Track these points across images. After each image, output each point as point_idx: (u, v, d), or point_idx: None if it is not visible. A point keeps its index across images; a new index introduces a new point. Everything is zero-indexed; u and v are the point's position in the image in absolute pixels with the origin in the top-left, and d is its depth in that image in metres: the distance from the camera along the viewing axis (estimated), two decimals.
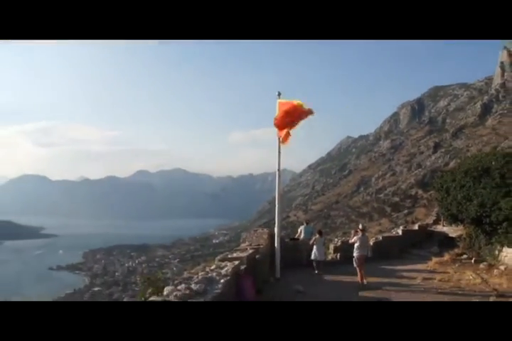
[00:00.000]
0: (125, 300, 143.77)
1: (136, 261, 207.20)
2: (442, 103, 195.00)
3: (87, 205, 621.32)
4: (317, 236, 18.93)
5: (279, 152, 16.38)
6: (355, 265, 16.34)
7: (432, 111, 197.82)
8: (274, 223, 17.48)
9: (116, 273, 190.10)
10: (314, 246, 18.79)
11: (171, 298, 7.26)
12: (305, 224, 21.96)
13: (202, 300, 7.32)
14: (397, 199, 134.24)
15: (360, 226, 17.33)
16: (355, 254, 16.50)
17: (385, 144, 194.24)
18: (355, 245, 16.56)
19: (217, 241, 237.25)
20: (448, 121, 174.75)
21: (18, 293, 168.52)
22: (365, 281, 15.88)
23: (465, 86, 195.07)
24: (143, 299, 8.40)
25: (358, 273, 16.08)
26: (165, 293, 7.54)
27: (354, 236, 16.92)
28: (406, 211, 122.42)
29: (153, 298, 7.21)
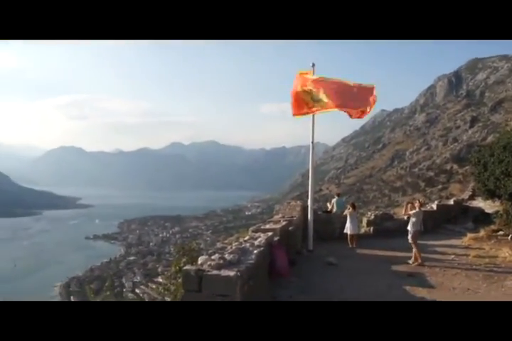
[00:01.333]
0: (159, 269, 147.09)
1: (170, 232, 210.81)
2: (481, 76, 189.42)
3: (122, 176, 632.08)
4: (350, 209, 18.82)
5: (313, 124, 16.22)
6: (410, 241, 15.67)
7: (470, 84, 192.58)
8: (307, 196, 17.43)
9: (151, 243, 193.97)
10: (348, 219, 18.69)
11: (205, 267, 7.34)
12: (337, 197, 21.86)
13: (236, 269, 7.37)
14: (431, 174, 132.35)
15: (418, 200, 16.85)
16: (410, 229, 15.79)
17: (420, 118, 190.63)
18: (412, 220, 15.82)
19: (249, 213, 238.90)
20: (487, 94, 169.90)
21: (58, 261, 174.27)
22: (419, 260, 15.14)
23: (506, 58, 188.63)
24: (177, 268, 8.53)
25: (414, 249, 15.40)
26: (199, 262, 7.62)
27: (408, 209, 16.20)
28: (440, 186, 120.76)
29: (187, 267, 7.30)
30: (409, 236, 15.71)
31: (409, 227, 15.86)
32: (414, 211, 15.92)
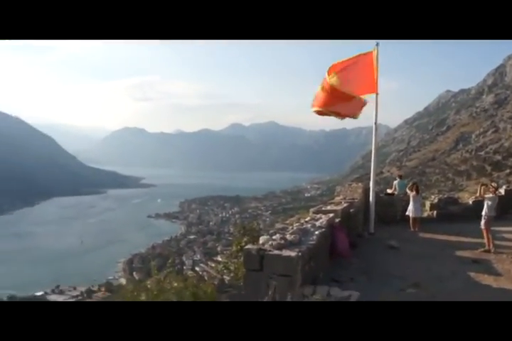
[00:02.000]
0: (219, 248, 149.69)
1: (230, 212, 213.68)
2: None
3: (183, 157, 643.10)
4: (413, 192, 18.38)
5: (376, 105, 15.87)
6: (482, 226, 14.81)
7: None
8: (367, 178, 17.16)
9: (211, 223, 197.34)
10: (410, 202, 18.30)
11: (267, 247, 7.36)
12: (398, 179, 21.40)
13: (297, 250, 7.35)
14: (498, 157, 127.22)
15: (491, 185, 15.84)
16: (484, 214, 14.96)
17: (488, 99, 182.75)
18: (488, 204, 14.96)
19: (308, 194, 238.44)
20: None
21: (121, 238, 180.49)
22: (492, 247, 14.35)
23: None
24: (239, 247, 8.62)
25: (485, 236, 14.61)
26: (260, 241, 7.66)
27: (483, 191, 15.34)
28: (508, 170, 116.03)
29: (249, 246, 7.34)
30: (482, 222, 14.88)
31: (483, 212, 15.03)
32: (489, 195, 15.07)
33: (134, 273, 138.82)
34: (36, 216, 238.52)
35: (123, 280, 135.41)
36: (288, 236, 7.92)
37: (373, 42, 15.38)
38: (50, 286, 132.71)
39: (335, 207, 13.54)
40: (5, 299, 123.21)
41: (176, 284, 7.90)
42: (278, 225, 10.03)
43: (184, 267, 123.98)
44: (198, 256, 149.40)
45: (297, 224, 9.48)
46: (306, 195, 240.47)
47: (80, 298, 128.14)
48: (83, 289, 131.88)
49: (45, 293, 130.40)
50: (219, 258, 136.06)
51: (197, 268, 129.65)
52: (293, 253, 7.12)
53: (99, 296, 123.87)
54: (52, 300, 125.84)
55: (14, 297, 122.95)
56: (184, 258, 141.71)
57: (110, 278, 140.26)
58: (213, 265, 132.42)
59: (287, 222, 9.40)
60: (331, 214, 11.66)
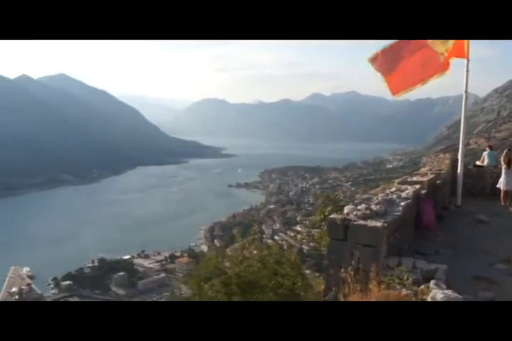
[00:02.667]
0: (298, 218, 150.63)
1: (310, 182, 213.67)
2: None
3: (263, 127, 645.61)
4: (505, 166, 17.46)
5: (467, 71, 15.01)
6: None
7: None
8: (453, 149, 16.49)
9: (290, 193, 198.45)
10: (502, 175, 17.44)
11: (351, 217, 7.29)
12: (488, 150, 20.38)
13: (382, 221, 7.23)
14: None
15: None
16: None
17: None
18: None
19: (390, 166, 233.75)
20: None
21: (203, 207, 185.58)
22: None
23: None
24: (322, 216, 8.61)
25: None
26: (345, 211, 7.59)
27: None
28: None
29: (333, 216, 7.31)
30: None
31: None
32: None
33: (215, 240, 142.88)
34: (122, 184, 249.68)
35: (204, 247, 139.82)
36: (373, 207, 7.79)
37: None
38: (136, 251, 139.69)
39: (421, 178, 13.14)
40: (96, 261, 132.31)
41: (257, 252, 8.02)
42: (359, 196, 9.86)
43: (264, 236, 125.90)
44: (278, 225, 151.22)
45: (382, 194, 9.30)
46: (387, 166, 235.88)
47: (164, 262, 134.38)
48: (167, 254, 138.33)
49: (132, 257, 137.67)
50: (298, 228, 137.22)
51: (276, 238, 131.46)
52: (378, 224, 7.02)
53: (182, 261, 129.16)
54: (138, 263, 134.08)
55: (104, 259, 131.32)
56: (264, 227, 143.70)
57: (192, 244, 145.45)
58: (292, 234, 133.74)
59: (372, 192, 9.24)
60: (417, 186, 11.33)
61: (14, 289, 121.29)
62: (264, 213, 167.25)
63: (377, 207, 7.83)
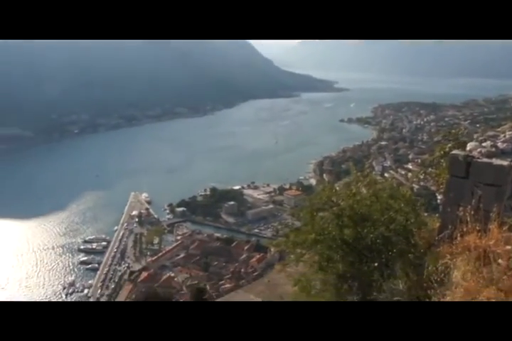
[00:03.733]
0: (410, 156, 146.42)
1: (425, 119, 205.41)
2: None
3: (379, 61, 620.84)
4: None
5: None
6: None
7: None
8: None
9: (404, 130, 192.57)
10: None
11: (475, 154, 6.89)
12: None
13: (509, 160, 6.77)
14: None
15: None
16: None
17: None
18: None
19: None
20: None
21: (313, 141, 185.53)
22: None
23: None
24: (442, 152, 8.22)
25: None
26: (468, 148, 7.16)
27: None
28: None
29: (455, 152, 6.93)
30: None
31: None
32: None
33: (324, 174, 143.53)
34: (234, 117, 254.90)
35: (313, 181, 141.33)
36: (500, 145, 7.26)
37: None
38: (246, 182, 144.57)
39: None
40: (208, 190, 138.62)
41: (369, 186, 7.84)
42: (477, 136, 9.25)
43: (373, 172, 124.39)
44: (388, 162, 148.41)
45: (510, 132, 8.66)
46: None
47: (272, 194, 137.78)
48: (276, 186, 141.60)
49: (242, 188, 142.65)
50: (409, 166, 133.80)
51: (386, 175, 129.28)
52: (505, 163, 6.56)
53: (290, 194, 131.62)
54: (247, 194, 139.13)
55: (215, 189, 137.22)
56: (374, 163, 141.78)
57: (301, 178, 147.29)
58: (403, 173, 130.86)
59: (498, 129, 8.64)
60: None
61: (134, 212, 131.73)
62: (375, 149, 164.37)
63: (505, 145, 7.28)
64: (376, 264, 6.94)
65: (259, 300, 8.87)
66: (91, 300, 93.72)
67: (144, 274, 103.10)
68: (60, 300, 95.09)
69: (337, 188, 7.95)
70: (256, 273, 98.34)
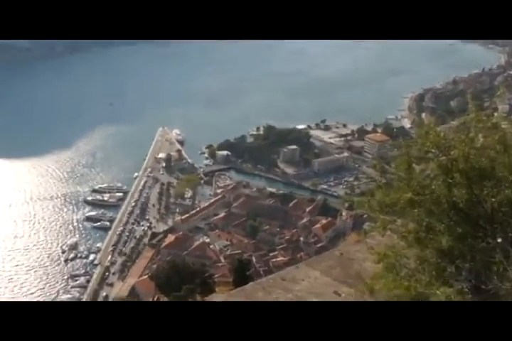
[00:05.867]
0: None
1: None
2: None
3: None
4: None
5: None
6: None
7: None
8: None
9: None
10: None
11: None
12: None
13: None
14: None
15: None
16: None
17: None
18: None
19: None
20: None
21: (408, 68, 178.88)
22: None
23: None
24: None
25: None
26: None
27: None
28: None
29: None
30: None
31: None
32: None
33: (423, 114, 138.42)
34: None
35: (406, 122, 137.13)
36: None
37: None
38: (314, 120, 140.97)
39: None
40: (261, 129, 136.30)
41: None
42: None
43: (498, 112, 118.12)
44: None
45: None
46: None
47: (349, 137, 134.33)
48: (354, 128, 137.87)
49: (308, 127, 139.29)
50: None
51: None
52: None
53: (373, 138, 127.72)
54: (315, 136, 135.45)
55: (272, 127, 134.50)
56: (498, 101, 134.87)
57: (390, 117, 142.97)
58: None
59: None
60: None
61: (161, 155, 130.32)
62: (502, 80, 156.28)
63: None
64: (499, 240, 6.45)
65: (328, 279, 8.88)
66: (98, 268, 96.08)
67: (171, 238, 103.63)
68: (58, 266, 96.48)
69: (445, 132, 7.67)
70: (320, 245, 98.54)
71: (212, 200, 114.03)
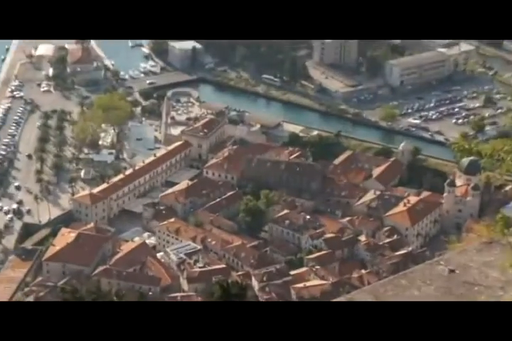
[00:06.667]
0: None
1: None
2: None
3: None
4: None
5: None
6: None
7: None
8: None
9: None
10: None
11: None
12: None
13: None
14: None
15: None
16: None
17: None
18: None
19: None
20: None
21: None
22: None
23: None
24: None
25: None
26: None
27: None
28: None
29: None
30: None
31: None
32: None
33: None
34: None
35: None
36: None
37: None
38: None
39: None
40: None
41: None
42: None
43: None
44: None
45: None
46: None
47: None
48: None
49: None
50: None
51: None
52: None
53: None
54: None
55: None
56: None
57: None
58: None
59: None
60: None
61: (43, 49, 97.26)
62: None
63: None
64: None
65: None
66: None
67: (66, 236, 61.62)
68: None
69: None
70: (394, 261, 69.94)
71: (160, 153, 69.38)
